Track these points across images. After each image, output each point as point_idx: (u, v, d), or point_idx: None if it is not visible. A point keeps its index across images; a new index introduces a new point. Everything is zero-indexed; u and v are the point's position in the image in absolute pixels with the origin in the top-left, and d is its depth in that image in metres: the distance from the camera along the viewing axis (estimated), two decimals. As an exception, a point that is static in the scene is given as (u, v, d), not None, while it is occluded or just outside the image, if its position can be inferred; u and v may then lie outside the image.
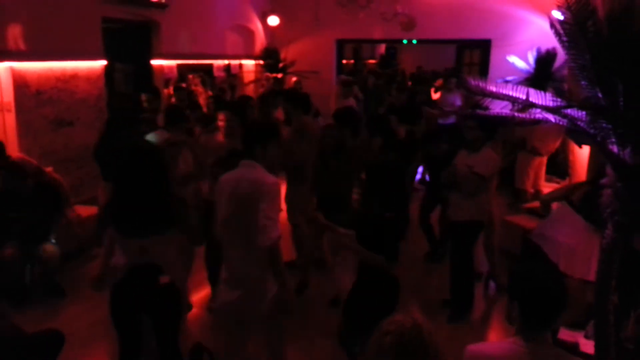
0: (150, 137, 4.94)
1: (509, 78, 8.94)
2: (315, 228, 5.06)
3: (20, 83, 6.12)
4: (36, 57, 6.23)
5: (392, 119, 6.15)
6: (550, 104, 2.81)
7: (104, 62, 7.25)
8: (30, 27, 6.14)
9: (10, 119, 6.12)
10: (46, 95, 6.40)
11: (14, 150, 6.01)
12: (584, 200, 3.95)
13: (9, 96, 6.09)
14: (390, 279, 3.44)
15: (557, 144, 7.59)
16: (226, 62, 10.64)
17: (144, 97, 6.91)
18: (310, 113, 6.54)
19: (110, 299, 3.15)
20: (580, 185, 4.46)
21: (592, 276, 3.55)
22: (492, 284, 5.47)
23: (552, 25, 2.90)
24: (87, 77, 6.97)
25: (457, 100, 9.45)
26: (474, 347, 2.24)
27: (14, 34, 6.02)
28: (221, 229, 3.32)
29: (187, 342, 3.53)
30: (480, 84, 3.04)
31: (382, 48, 19.37)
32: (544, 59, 9.35)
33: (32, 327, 3.56)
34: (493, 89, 2.99)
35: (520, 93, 2.90)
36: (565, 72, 8.89)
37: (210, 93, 9.00)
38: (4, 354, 2.99)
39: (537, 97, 2.85)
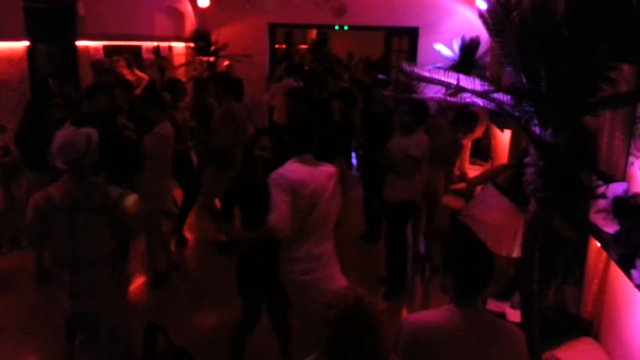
0: None
1: (438, 65, 9.27)
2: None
3: None
4: (-48, 37, 5.86)
5: (334, 104, 6.33)
6: (479, 88, 3.00)
7: (26, 43, 6.89)
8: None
9: None
10: (-36, 77, 6.04)
11: None
12: (510, 182, 4.21)
13: None
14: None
15: (482, 128, 7.98)
16: (155, 44, 10.36)
17: (50, 82, 6.65)
18: (241, 99, 6.59)
19: None
20: (504, 168, 4.74)
21: (516, 253, 3.82)
22: (427, 265, 5.72)
23: (481, 16, 3.08)
24: (9, 59, 6.60)
25: None
26: (411, 317, 2.40)
27: None
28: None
29: (141, 322, 3.55)
30: (415, 69, 3.20)
31: (313, 33, 19.46)
32: (468, 47, 9.74)
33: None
34: (427, 74, 3.15)
35: (451, 78, 3.07)
36: (488, 59, 9.32)
37: (140, 74, 8.74)
38: None
39: (467, 82, 3.03)
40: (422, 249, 5.87)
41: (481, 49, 9.60)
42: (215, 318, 4.71)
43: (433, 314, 2.36)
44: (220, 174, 5.67)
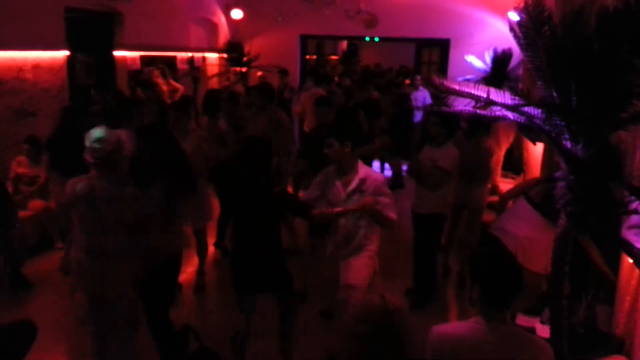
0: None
1: (468, 77, 9.22)
2: None
3: (-19, 72, 5.99)
4: (-2, 46, 6.11)
5: (361, 114, 6.37)
6: (509, 102, 3.00)
7: (66, 53, 7.14)
8: (-8, 15, 6.01)
9: (-29, 109, 6.00)
10: (8, 85, 6.26)
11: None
12: (543, 197, 4.15)
13: (-30, 86, 5.96)
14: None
15: (511, 140, 7.92)
16: (189, 54, 10.59)
17: (92, 92, 6.86)
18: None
19: None
20: (537, 181, 4.69)
21: (547, 269, 3.78)
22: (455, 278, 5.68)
23: (512, 29, 3.09)
24: (50, 68, 6.85)
25: (428, 98, 9.67)
26: (439, 328, 2.41)
27: (-25, 22, 5.88)
28: None
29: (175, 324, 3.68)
30: (445, 82, 3.22)
31: (344, 44, 19.57)
32: (500, 59, 9.64)
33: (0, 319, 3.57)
34: (457, 87, 3.17)
35: (481, 91, 3.08)
36: (520, 71, 9.22)
37: (175, 84, 8.94)
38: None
39: (497, 95, 3.03)
40: (452, 262, 5.83)
41: (513, 61, 9.51)
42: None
43: (460, 325, 2.37)
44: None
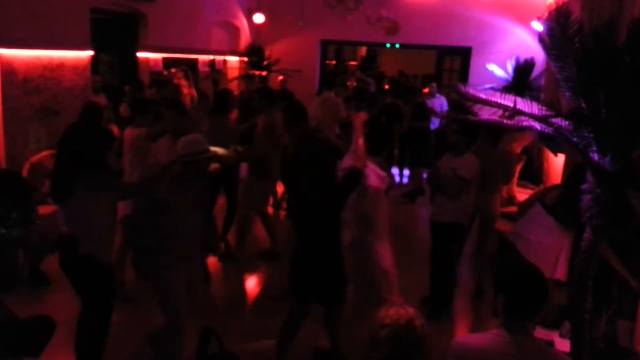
0: None
1: (490, 86, 9.16)
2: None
3: (7, 70, 6.04)
4: (24, 44, 6.18)
5: (382, 119, 6.37)
6: (537, 112, 2.97)
7: (90, 53, 7.23)
8: (19, 14, 6.08)
9: (-4, 106, 6.07)
10: (33, 83, 6.34)
11: (-2, 138, 5.97)
12: (558, 202, 4.11)
13: (-5, 83, 6.03)
14: None
15: (520, 145, 7.89)
16: (211, 57, 10.66)
17: (127, 88, 6.85)
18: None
19: None
20: (553, 187, 4.64)
21: (558, 275, 3.74)
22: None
23: (541, 39, 3.07)
24: (74, 67, 6.94)
25: (444, 105, 9.63)
26: (460, 339, 2.38)
27: (2, 20, 5.94)
28: None
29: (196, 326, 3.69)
30: (471, 90, 3.20)
31: (363, 50, 19.58)
32: (523, 69, 9.59)
33: (18, 314, 3.59)
34: (483, 95, 3.15)
35: (508, 101, 3.06)
36: (542, 82, 9.15)
37: (192, 91, 8.97)
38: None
39: (524, 105, 3.01)
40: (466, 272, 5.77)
41: (536, 71, 9.44)
42: (257, 325, 4.76)
43: (482, 337, 2.34)
44: (258, 183, 5.75)
